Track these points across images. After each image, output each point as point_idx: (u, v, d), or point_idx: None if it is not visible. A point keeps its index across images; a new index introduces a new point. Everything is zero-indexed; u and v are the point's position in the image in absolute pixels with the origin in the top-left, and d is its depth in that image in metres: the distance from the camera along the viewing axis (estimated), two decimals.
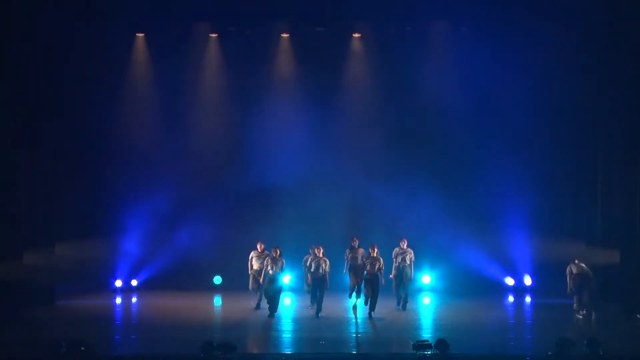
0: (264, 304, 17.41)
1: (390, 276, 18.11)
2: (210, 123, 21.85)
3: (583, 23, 18.90)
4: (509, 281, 21.11)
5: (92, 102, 20.75)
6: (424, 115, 21.42)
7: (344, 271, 17.95)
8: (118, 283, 21.06)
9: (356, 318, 16.78)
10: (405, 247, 18.22)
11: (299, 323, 16.71)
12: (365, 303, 17.03)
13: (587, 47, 19.42)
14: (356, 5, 19.69)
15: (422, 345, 13.12)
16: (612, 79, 18.57)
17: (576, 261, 17.25)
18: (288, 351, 14.39)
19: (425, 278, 21.07)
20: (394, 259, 18.18)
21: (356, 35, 21.69)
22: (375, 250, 17.23)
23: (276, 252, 17.22)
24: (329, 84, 21.66)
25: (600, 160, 19.90)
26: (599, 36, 18.74)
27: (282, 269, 17.25)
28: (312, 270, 17.34)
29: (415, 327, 16.59)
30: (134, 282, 21.32)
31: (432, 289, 21.00)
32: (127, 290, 21.12)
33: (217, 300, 20.32)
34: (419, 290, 20.87)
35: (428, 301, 19.89)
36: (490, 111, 20.89)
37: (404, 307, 17.96)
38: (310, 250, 17.88)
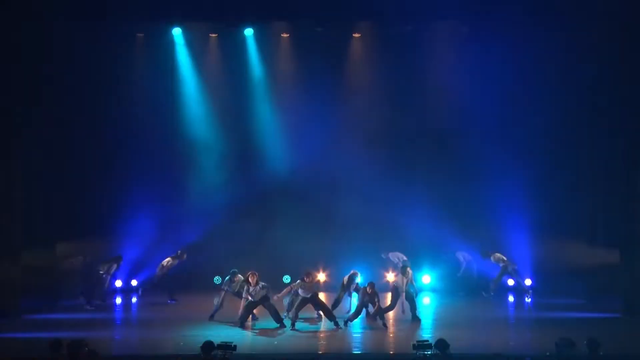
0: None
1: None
2: (208, 123, 21.86)
3: (588, 22, 18.77)
4: (509, 281, 21.10)
5: (92, 102, 20.77)
6: (424, 115, 21.46)
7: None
8: (118, 283, 21.05)
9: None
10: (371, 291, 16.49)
11: (298, 323, 16.66)
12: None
13: (593, 46, 19.26)
14: (356, 5, 19.70)
15: (422, 345, 13.11)
16: (615, 78, 18.49)
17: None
18: (288, 351, 14.40)
19: (425, 278, 21.07)
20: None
21: (356, 35, 21.70)
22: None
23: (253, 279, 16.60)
24: (328, 84, 21.66)
25: (601, 159, 19.88)
26: (605, 35, 18.54)
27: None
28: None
29: (415, 327, 16.57)
30: (134, 282, 21.32)
31: (432, 289, 20.99)
32: (127, 290, 21.10)
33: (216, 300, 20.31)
34: (419, 290, 20.87)
35: (428, 301, 19.88)
36: (491, 111, 20.88)
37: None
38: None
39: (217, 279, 21.61)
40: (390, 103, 21.69)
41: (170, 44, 21.37)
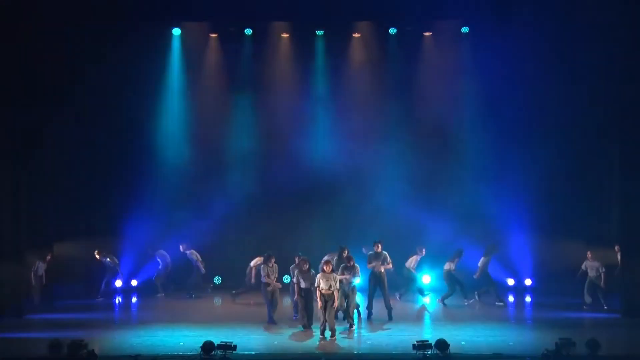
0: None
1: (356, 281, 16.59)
2: (209, 123, 21.87)
3: (597, 20, 18.66)
4: (509, 281, 21.11)
5: (92, 103, 20.80)
6: (425, 114, 21.47)
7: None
8: (118, 283, 21.04)
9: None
10: (379, 250, 17.11)
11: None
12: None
13: (601, 46, 19.20)
14: (356, 5, 19.70)
15: (422, 345, 13.14)
16: (616, 81, 18.42)
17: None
18: (288, 351, 14.40)
19: (425, 278, 21.06)
20: (368, 263, 17.09)
21: (356, 35, 21.69)
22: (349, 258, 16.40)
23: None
24: (328, 84, 21.69)
25: (600, 160, 19.90)
26: (614, 36, 18.36)
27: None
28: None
29: (415, 327, 16.58)
30: (134, 282, 21.32)
31: (432, 289, 20.96)
32: (127, 290, 21.08)
33: (217, 301, 20.33)
34: (419, 290, 20.90)
35: (428, 301, 19.88)
36: (491, 112, 20.92)
37: (389, 316, 17.01)
38: (297, 261, 16.61)
39: (217, 279, 21.72)
40: (390, 103, 21.72)
41: (170, 44, 21.37)
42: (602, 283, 18.33)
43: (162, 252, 20.73)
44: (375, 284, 17.22)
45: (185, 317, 17.43)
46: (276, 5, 19.56)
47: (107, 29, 19.84)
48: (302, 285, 16.01)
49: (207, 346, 13.05)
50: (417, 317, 18.26)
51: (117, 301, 20.27)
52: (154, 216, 21.11)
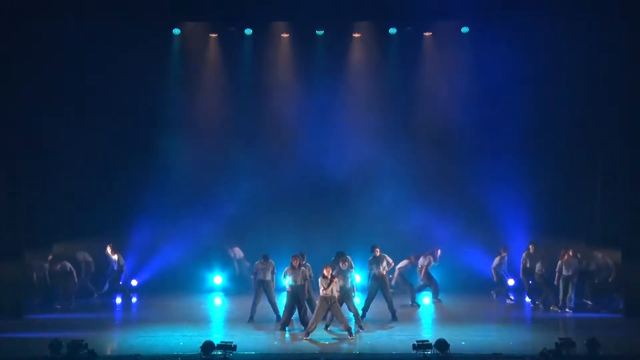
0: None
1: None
2: (209, 123, 21.86)
3: (583, 16, 18.70)
4: (509, 281, 21.07)
5: (92, 103, 20.81)
6: (424, 114, 21.47)
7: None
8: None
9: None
10: (378, 254, 17.21)
11: (299, 323, 16.66)
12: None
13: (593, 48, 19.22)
14: (356, 5, 19.70)
15: (422, 345, 13.15)
16: (614, 80, 18.44)
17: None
18: (288, 351, 14.40)
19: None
20: (369, 268, 17.27)
21: (356, 35, 21.69)
22: (347, 263, 16.43)
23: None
24: (328, 84, 21.69)
25: (600, 159, 19.90)
26: (615, 36, 18.39)
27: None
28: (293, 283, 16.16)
29: (415, 327, 16.58)
30: (134, 282, 21.30)
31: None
32: (127, 290, 21.05)
33: (217, 301, 20.33)
34: (419, 290, 20.87)
35: (428, 301, 19.89)
36: (492, 110, 20.90)
37: (393, 317, 17.10)
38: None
39: (217, 279, 21.69)
40: (390, 104, 21.71)
41: (170, 44, 21.38)
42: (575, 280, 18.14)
43: (84, 253, 20.55)
44: (377, 287, 17.26)
45: (185, 317, 17.44)
46: (276, 5, 19.53)
47: (107, 29, 19.80)
48: (289, 280, 16.04)
49: (207, 346, 13.06)
50: (417, 317, 18.26)
51: (117, 301, 20.28)
52: (155, 217, 21.09)
